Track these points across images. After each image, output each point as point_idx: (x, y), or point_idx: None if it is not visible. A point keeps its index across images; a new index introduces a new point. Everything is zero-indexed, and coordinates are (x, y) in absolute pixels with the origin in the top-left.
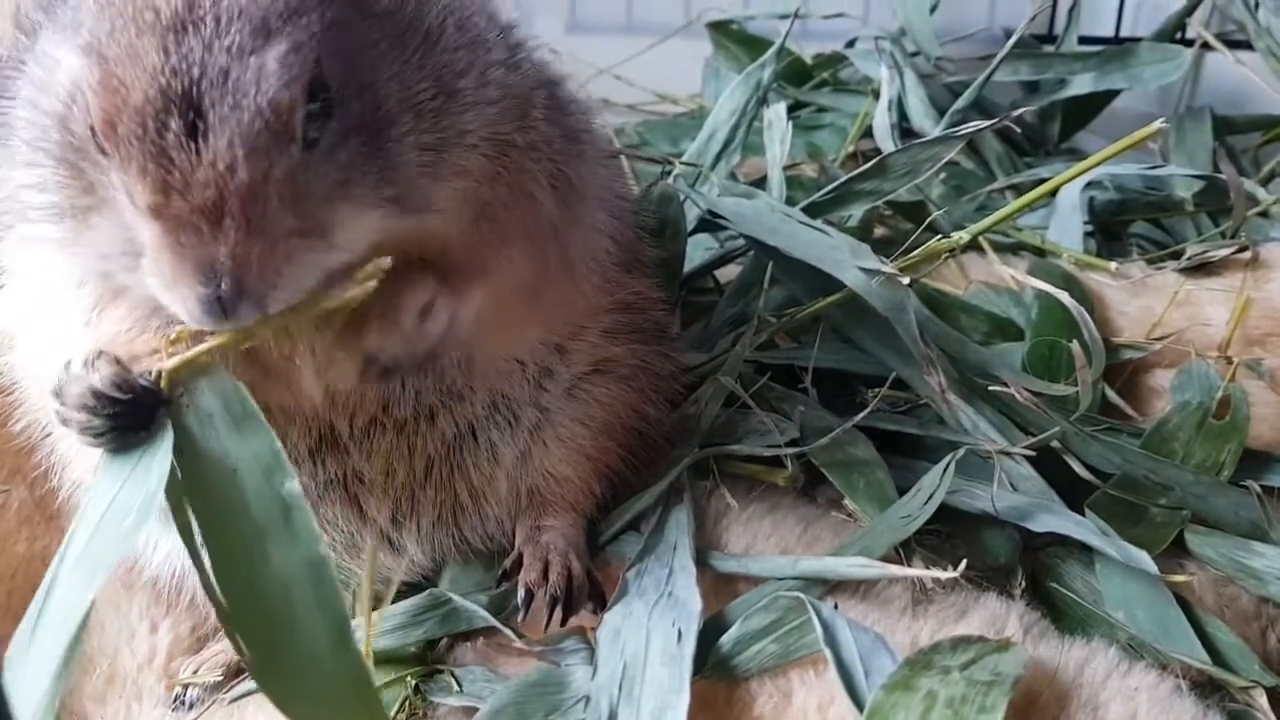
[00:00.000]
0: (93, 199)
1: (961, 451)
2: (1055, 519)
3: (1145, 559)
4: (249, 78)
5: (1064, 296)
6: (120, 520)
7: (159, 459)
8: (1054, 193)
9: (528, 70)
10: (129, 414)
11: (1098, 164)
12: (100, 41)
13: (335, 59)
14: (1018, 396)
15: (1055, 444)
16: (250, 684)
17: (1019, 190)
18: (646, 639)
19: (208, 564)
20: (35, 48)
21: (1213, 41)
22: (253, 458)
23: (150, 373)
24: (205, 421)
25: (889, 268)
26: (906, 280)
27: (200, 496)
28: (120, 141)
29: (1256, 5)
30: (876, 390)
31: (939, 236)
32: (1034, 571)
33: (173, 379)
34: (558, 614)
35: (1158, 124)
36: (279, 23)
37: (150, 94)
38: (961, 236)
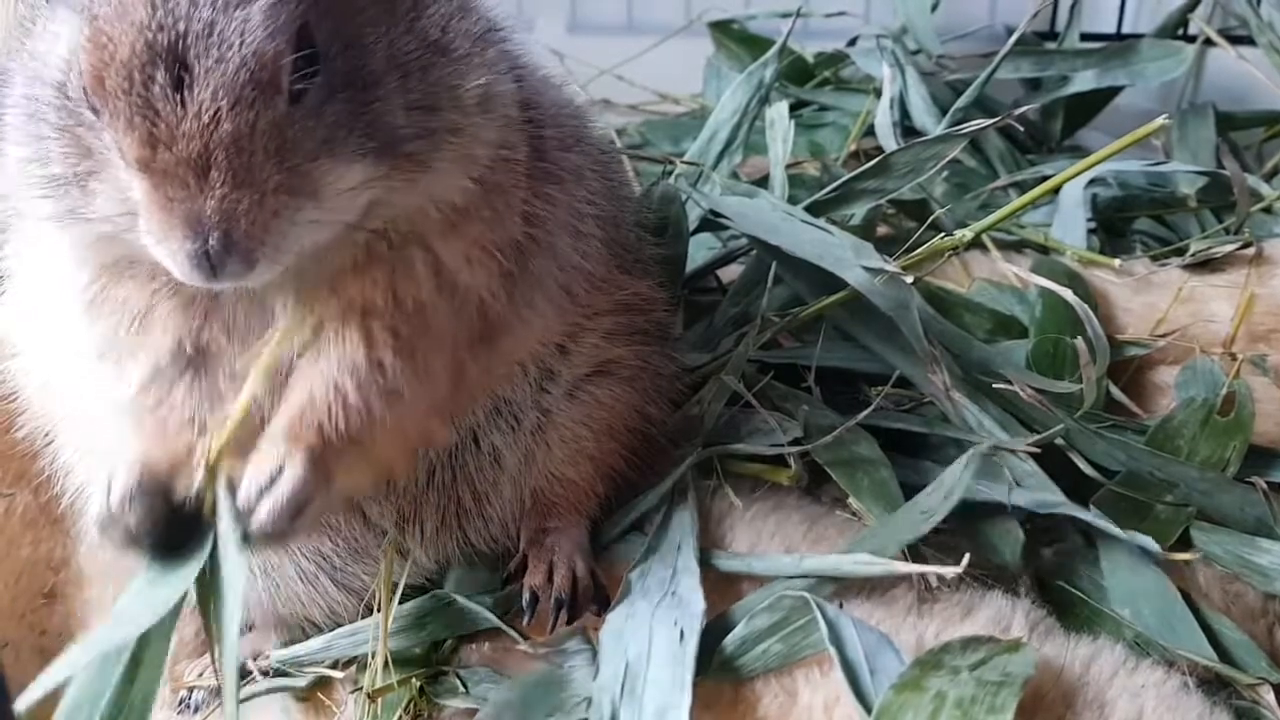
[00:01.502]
0: (90, 163)
1: (984, 447)
2: (1063, 506)
3: (1150, 543)
4: (234, 29)
5: (1068, 294)
6: (141, 613)
7: (185, 571)
8: (1057, 190)
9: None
10: (166, 546)
11: (1100, 161)
12: (93, 4)
13: (322, 15)
14: (1022, 394)
15: (1060, 441)
16: (255, 686)
17: (1022, 188)
18: (649, 639)
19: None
20: (35, 30)
21: (1215, 37)
22: (230, 589)
23: (189, 501)
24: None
25: (892, 266)
26: (910, 279)
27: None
28: (108, 96)
29: (1259, 1)
30: (880, 389)
31: (942, 235)
32: (1039, 569)
33: (209, 501)
34: (563, 617)
35: (1160, 120)
36: None
37: (136, 48)
38: (965, 234)
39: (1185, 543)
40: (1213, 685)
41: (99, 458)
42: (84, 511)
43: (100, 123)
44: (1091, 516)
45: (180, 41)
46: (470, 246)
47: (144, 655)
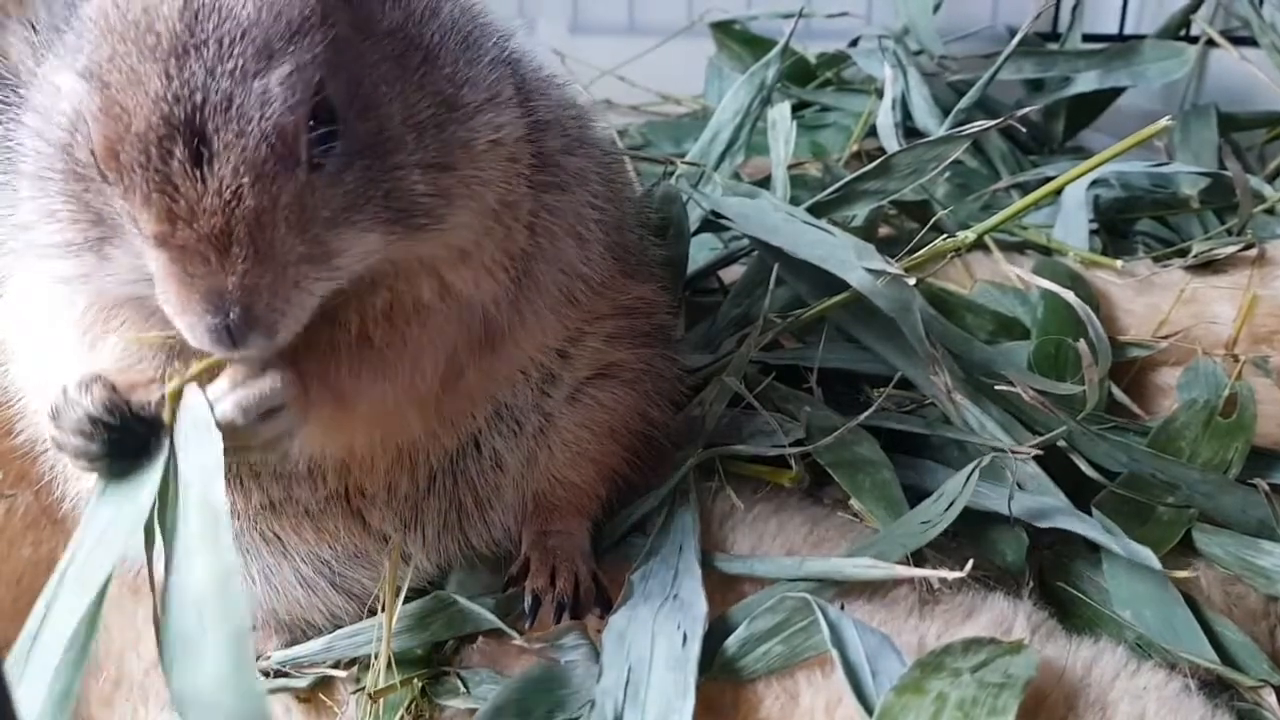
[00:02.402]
0: (104, 229)
1: (988, 459)
2: (1064, 517)
3: (1150, 557)
4: (253, 102)
5: (1070, 296)
6: (110, 541)
7: (148, 484)
8: (1059, 191)
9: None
10: (124, 440)
11: (1103, 162)
12: (101, 67)
13: (338, 80)
14: (1024, 396)
15: (1062, 443)
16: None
17: (1024, 189)
18: (652, 642)
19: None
20: (38, 74)
21: (1217, 38)
22: (199, 469)
23: (148, 403)
24: (181, 444)
25: (894, 268)
26: (912, 280)
27: (164, 514)
28: (123, 170)
29: (1261, 2)
30: (881, 390)
31: (944, 236)
32: (1041, 571)
33: (172, 406)
34: (565, 620)
35: (1163, 122)
36: (281, 44)
37: (153, 121)
38: (967, 236)
39: (1187, 545)
40: (1214, 688)
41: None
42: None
43: (112, 190)
44: (1088, 528)
45: (198, 114)
46: (478, 271)
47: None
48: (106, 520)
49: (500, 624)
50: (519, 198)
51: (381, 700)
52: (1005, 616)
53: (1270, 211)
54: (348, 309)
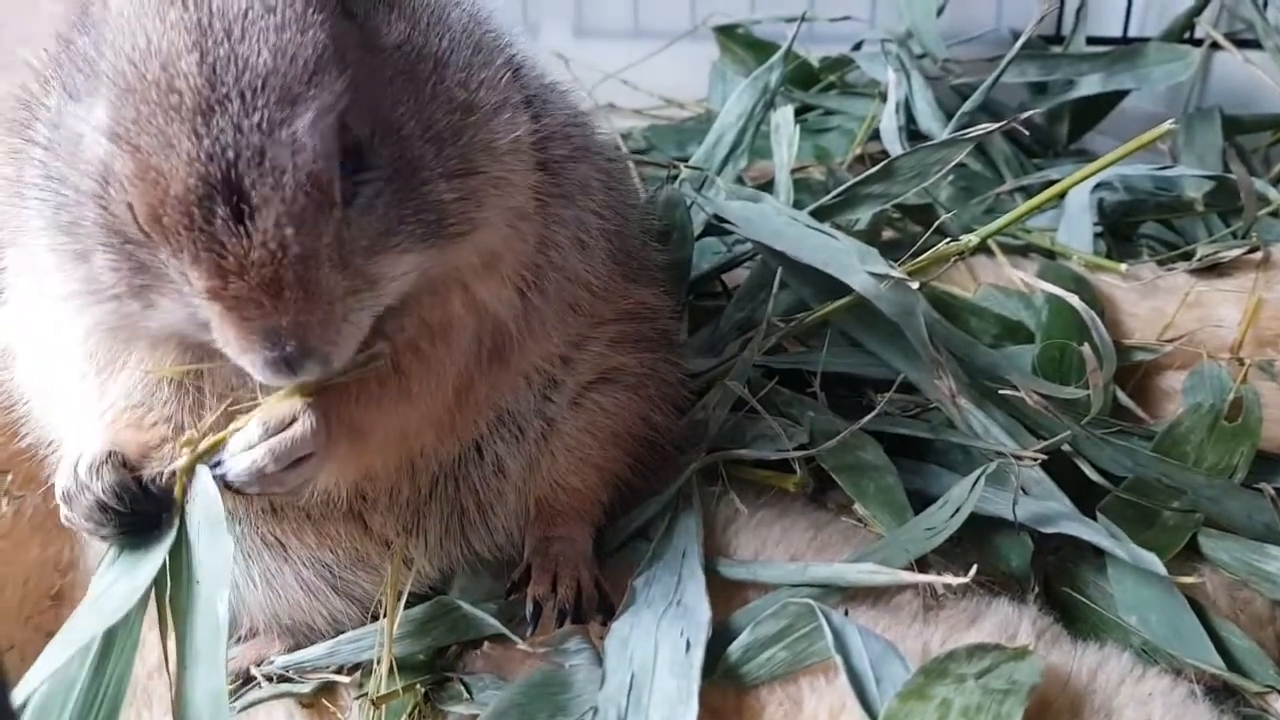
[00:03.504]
0: (147, 277)
1: (993, 465)
2: (1069, 522)
3: (1155, 562)
4: (284, 153)
5: (1074, 300)
6: (106, 611)
7: (153, 558)
8: (1063, 194)
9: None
10: (134, 521)
11: (1107, 165)
12: (128, 130)
13: (359, 110)
14: (1028, 400)
15: (1066, 448)
16: (257, 691)
17: (1028, 192)
18: (655, 648)
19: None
20: (49, 107)
21: (1221, 41)
22: (210, 573)
23: (160, 477)
24: (194, 527)
25: (897, 272)
26: (915, 284)
27: (175, 600)
28: (168, 232)
29: (1265, 4)
30: (884, 394)
31: (948, 240)
32: (1046, 576)
33: (182, 483)
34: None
35: (1167, 125)
36: (301, 88)
37: (190, 183)
38: (970, 240)
39: (1193, 550)
40: (1220, 693)
41: (71, 443)
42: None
43: (157, 249)
44: (1093, 533)
45: (233, 170)
46: (500, 281)
47: (111, 648)
48: (107, 589)
49: (503, 629)
50: (530, 205)
51: (384, 706)
52: (1010, 622)
53: (1275, 215)
54: (373, 338)
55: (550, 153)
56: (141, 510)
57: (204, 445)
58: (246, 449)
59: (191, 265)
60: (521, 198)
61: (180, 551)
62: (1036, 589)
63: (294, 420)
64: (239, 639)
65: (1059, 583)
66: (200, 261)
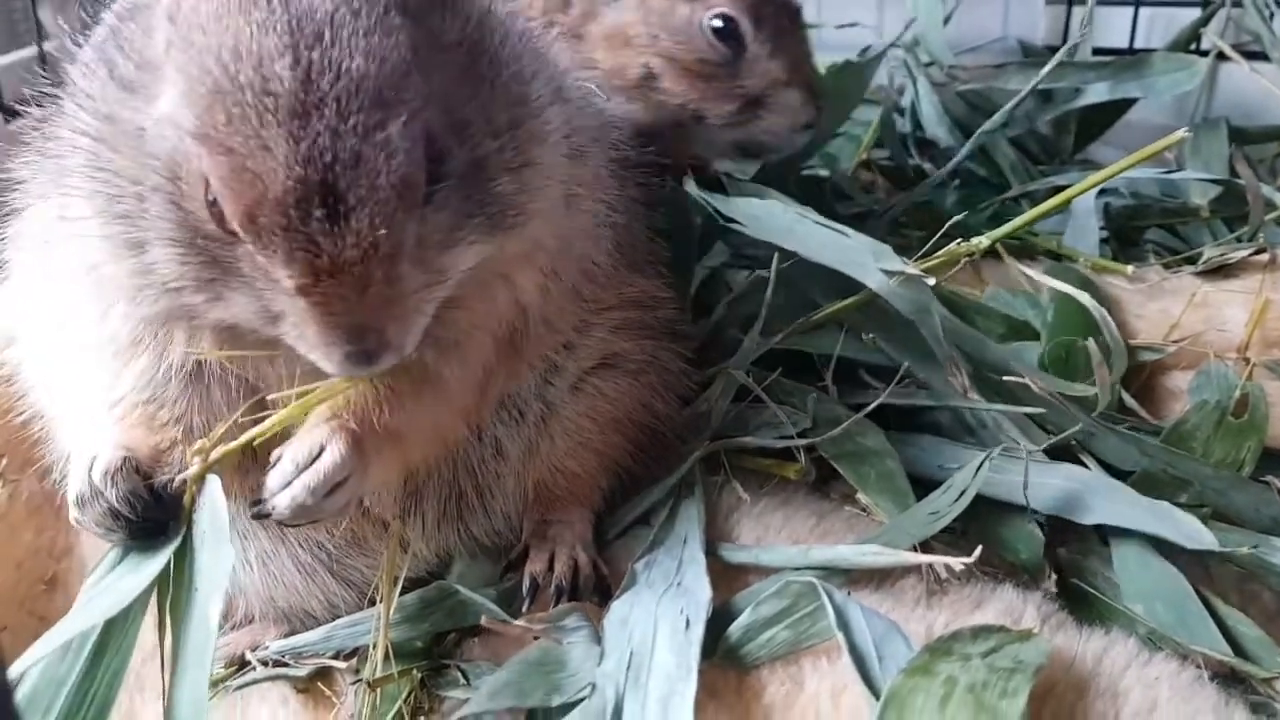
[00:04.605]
0: (218, 271)
1: (997, 450)
2: (1102, 502)
3: (1201, 530)
4: (379, 156)
5: (1084, 297)
6: (107, 601)
7: (156, 561)
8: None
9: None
10: (144, 527)
11: (1116, 174)
12: (219, 131)
13: (438, 112)
14: (1033, 388)
15: (1074, 442)
16: (252, 675)
17: (1033, 199)
18: (654, 627)
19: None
20: (93, 95)
21: (1228, 50)
22: (209, 580)
23: (170, 484)
24: (199, 535)
25: (912, 269)
26: (931, 281)
27: (174, 603)
28: (262, 231)
29: (1271, 16)
30: (888, 382)
31: (958, 241)
32: (1059, 569)
33: (192, 491)
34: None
35: (1180, 133)
36: (391, 92)
37: (289, 185)
38: (981, 241)
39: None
40: (1228, 680)
41: (84, 439)
42: (64, 489)
43: (245, 247)
44: (1129, 512)
45: (329, 173)
46: (538, 273)
47: (109, 643)
48: (110, 585)
49: (499, 611)
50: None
51: (380, 690)
52: (1014, 607)
53: None
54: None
55: (573, 142)
56: (151, 517)
57: (215, 454)
58: (284, 487)
59: (285, 264)
60: (562, 188)
61: (184, 557)
62: (1053, 575)
63: (323, 450)
64: (234, 625)
65: (1068, 573)
66: (295, 260)
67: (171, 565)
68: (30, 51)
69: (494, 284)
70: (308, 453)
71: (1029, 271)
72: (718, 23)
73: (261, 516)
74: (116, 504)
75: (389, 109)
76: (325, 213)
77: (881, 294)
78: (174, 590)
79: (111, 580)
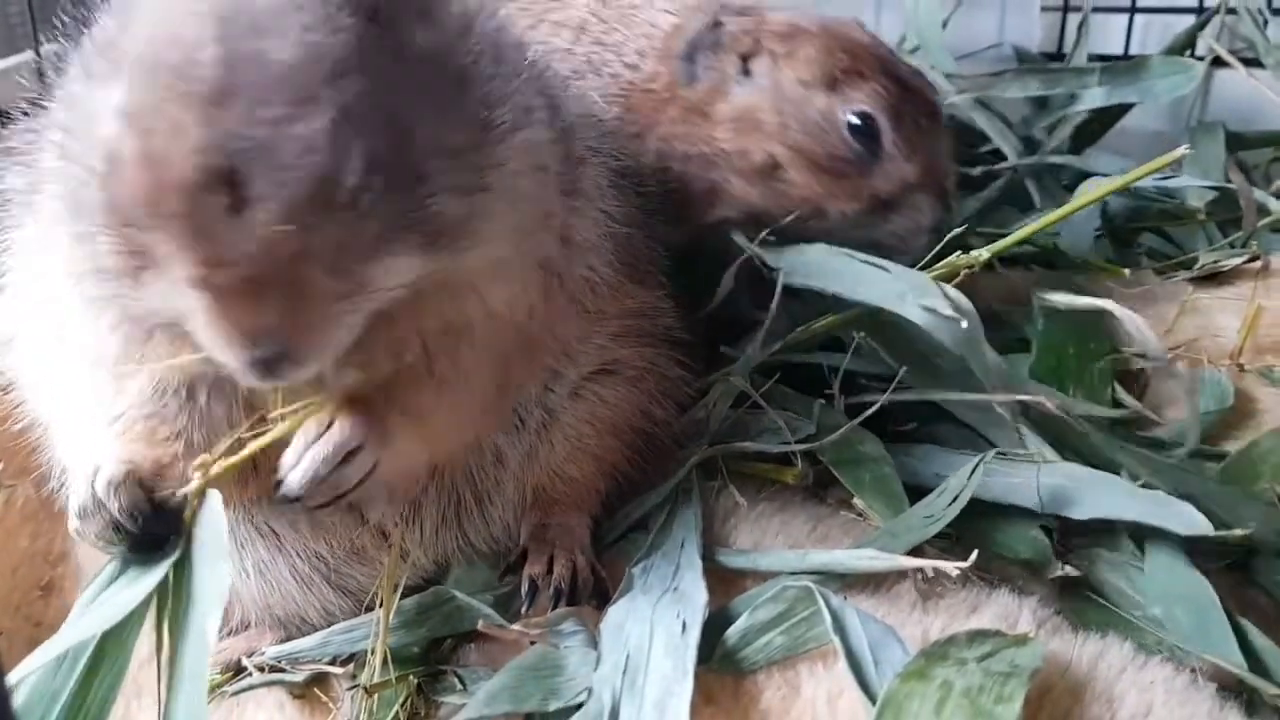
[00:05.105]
0: (142, 259)
1: (990, 454)
2: (1096, 495)
3: (1196, 515)
4: (292, 150)
5: (1111, 304)
6: (105, 613)
7: (155, 574)
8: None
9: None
10: (144, 541)
11: (1122, 187)
12: (140, 111)
13: (376, 115)
14: (1068, 418)
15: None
16: (249, 680)
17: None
18: (650, 631)
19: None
20: (64, 89)
21: (1225, 55)
22: (206, 595)
23: (172, 498)
24: (198, 549)
25: (963, 301)
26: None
27: (172, 617)
28: (164, 216)
29: (1266, 23)
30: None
31: (957, 252)
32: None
33: (194, 506)
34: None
35: (1181, 150)
36: (320, 88)
37: (193, 170)
38: (981, 254)
39: (1244, 570)
40: (1231, 690)
41: (85, 452)
42: (65, 500)
43: (150, 226)
44: (1131, 503)
45: (237, 162)
46: (513, 284)
47: (105, 655)
48: (109, 597)
49: (497, 616)
50: (553, 208)
51: (377, 695)
52: (1010, 611)
53: (1276, 227)
54: (408, 332)
55: (569, 155)
56: (152, 530)
57: (216, 469)
58: (295, 465)
59: (181, 251)
60: (529, 212)
61: (183, 571)
62: (1062, 569)
63: (332, 424)
64: (231, 631)
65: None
66: (191, 249)
67: (170, 579)
68: (27, 56)
69: (463, 294)
70: (316, 428)
71: (1054, 297)
72: (855, 120)
73: (285, 502)
74: (119, 516)
75: (314, 105)
76: (227, 203)
77: (928, 330)
78: (172, 604)
79: (109, 594)
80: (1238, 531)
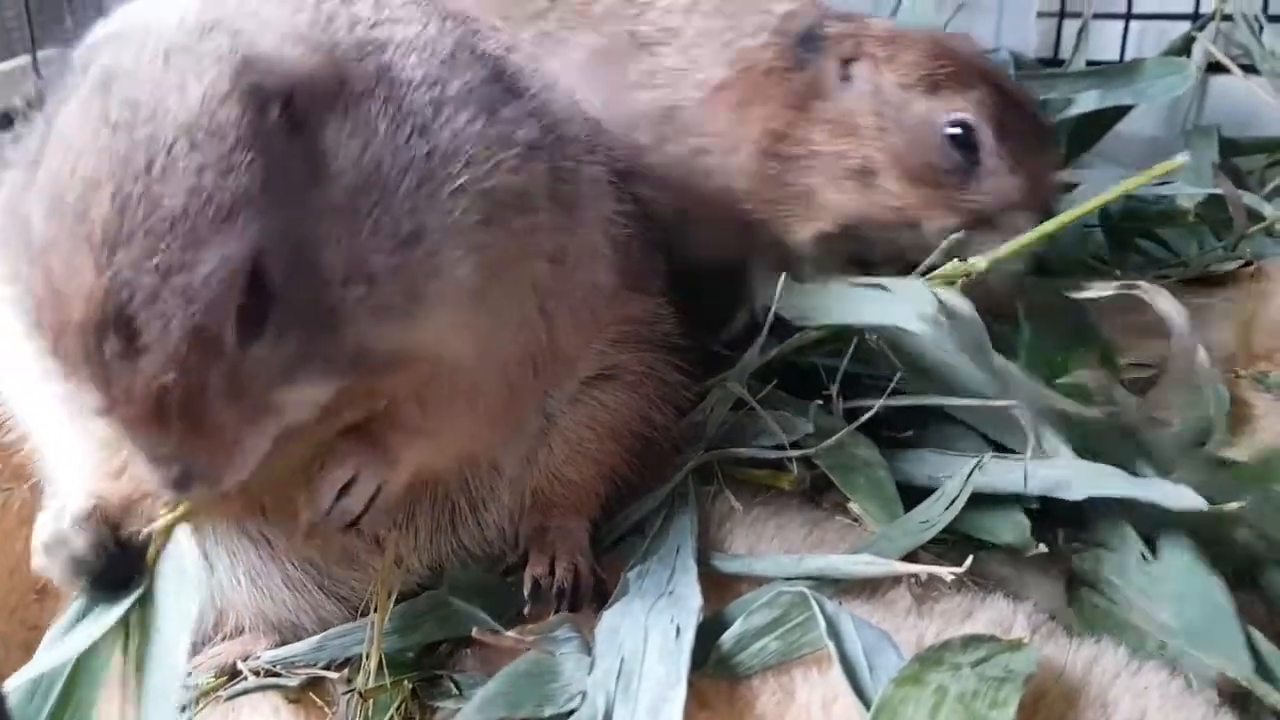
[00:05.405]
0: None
1: (987, 457)
2: (1086, 478)
3: (1187, 492)
4: (176, 300)
5: (1148, 286)
6: (68, 645)
7: (116, 610)
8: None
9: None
10: (108, 578)
11: (1116, 197)
12: (45, 249)
13: (276, 250)
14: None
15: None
16: (244, 684)
17: None
18: (645, 636)
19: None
20: (14, 165)
21: (1220, 57)
22: (171, 625)
23: (137, 535)
24: (161, 584)
25: (964, 305)
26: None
27: (138, 649)
28: (64, 354)
29: (1261, 29)
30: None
31: (954, 261)
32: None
33: (158, 544)
34: (564, 610)
35: (1181, 158)
36: (209, 233)
37: (87, 312)
38: (978, 262)
39: (1253, 576)
40: (1226, 695)
41: (57, 482)
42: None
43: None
44: (1126, 486)
45: (127, 308)
46: (485, 332)
47: (77, 683)
48: (75, 631)
49: (493, 623)
50: (529, 228)
51: (372, 700)
52: (1004, 617)
53: (1269, 233)
54: (371, 396)
55: (565, 165)
56: (117, 568)
57: (182, 508)
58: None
59: (82, 388)
60: (509, 258)
61: (147, 607)
62: (1038, 548)
63: (355, 480)
64: (225, 636)
65: (1079, 579)
66: (90, 386)
67: (134, 614)
68: (23, 60)
69: (414, 362)
70: (340, 480)
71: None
72: (954, 129)
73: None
74: (82, 553)
75: (201, 250)
76: (119, 346)
77: (929, 339)
78: (137, 640)
79: (78, 629)
80: (1231, 505)
